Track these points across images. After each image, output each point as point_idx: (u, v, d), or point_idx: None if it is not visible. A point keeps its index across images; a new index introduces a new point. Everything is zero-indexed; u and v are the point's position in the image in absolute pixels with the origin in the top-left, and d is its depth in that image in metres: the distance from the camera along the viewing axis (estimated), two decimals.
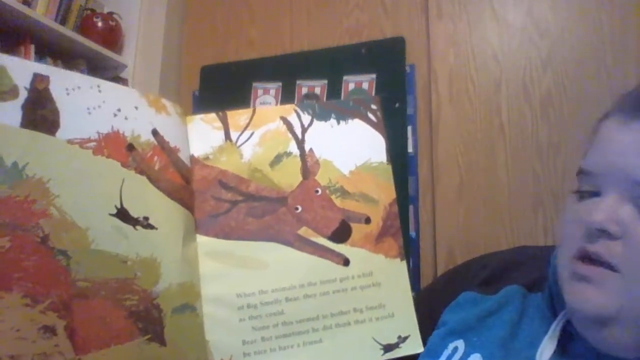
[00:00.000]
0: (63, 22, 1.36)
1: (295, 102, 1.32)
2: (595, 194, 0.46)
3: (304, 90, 1.33)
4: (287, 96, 1.34)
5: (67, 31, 1.32)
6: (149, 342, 0.49)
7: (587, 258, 0.45)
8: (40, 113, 0.48)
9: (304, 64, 1.35)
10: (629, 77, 1.01)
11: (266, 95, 1.37)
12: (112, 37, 1.43)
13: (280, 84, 1.36)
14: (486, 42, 1.17)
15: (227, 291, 0.56)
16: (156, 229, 0.52)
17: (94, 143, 0.51)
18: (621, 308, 0.43)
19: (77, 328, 0.45)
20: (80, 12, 1.43)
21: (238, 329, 0.55)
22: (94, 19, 1.41)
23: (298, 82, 1.34)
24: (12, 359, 0.42)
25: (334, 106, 0.65)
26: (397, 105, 1.20)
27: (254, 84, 1.38)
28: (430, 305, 0.62)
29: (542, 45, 1.11)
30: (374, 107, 0.65)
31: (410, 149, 1.20)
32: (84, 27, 1.41)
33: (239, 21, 1.46)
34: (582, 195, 0.48)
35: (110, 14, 1.45)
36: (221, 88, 1.41)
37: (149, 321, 0.49)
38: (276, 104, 1.34)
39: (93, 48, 1.36)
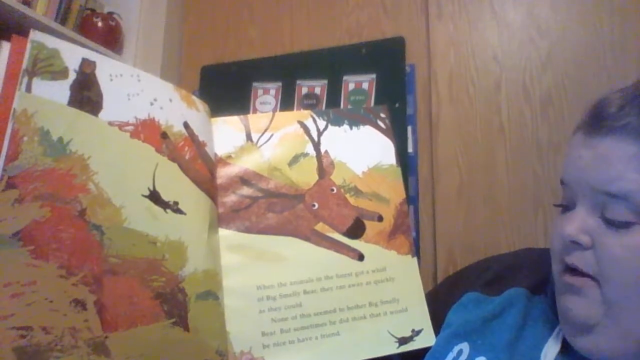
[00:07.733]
0: (63, 22, 1.36)
1: (295, 102, 1.32)
2: (571, 206, 0.49)
3: (304, 91, 1.33)
4: (287, 96, 1.34)
5: (67, 31, 1.31)
6: (173, 326, 0.50)
7: (572, 269, 0.48)
8: (86, 94, 0.51)
9: (304, 64, 1.35)
10: (629, 77, 1.01)
11: (266, 95, 1.36)
12: (112, 37, 1.43)
13: (280, 84, 1.36)
14: (486, 42, 1.17)
15: (247, 283, 0.58)
16: (185, 214, 0.54)
17: (132, 127, 0.53)
18: (604, 314, 0.46)
19: (106, 304, 0.46)
20: (80, 12, 1.42)
21: (257, 321, 0.56)
22: (94, 19, 1.41)
23: (298, 82, 1.34)
24: (44, 330, 0.43)
25: (347, 113, 0.70)
26: (397, 105, 1.20)
27: (254, 84, 1.38)
28: (435, 309, 0.62)
29: (542, 45, 1.11)
30: (382, 115, 0.71)
31: (410, 149, 1.20)
32: (84, 27, 1.41)
33: (239, 21, 1.46)
34: (563, 208, 0.51)
35: (110, 14, 1.45)
36: (221, 88, 1.41)
37: (174, 304, 0.50)
38: (276, 104, 1.34)
39: (93, 48, 1.36)
